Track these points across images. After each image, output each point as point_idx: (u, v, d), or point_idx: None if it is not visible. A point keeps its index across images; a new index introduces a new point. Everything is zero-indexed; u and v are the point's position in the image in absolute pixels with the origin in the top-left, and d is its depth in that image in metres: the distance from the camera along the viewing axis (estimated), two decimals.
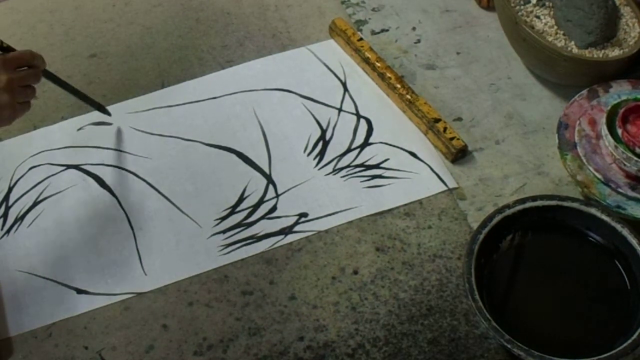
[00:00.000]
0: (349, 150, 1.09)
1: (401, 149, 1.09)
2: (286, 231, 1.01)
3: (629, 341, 0.82)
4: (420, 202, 1.03)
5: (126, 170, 1.09)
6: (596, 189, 0.97)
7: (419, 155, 1.08)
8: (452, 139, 1.06)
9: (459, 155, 1.07)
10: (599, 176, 0.97)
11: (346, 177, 1.06)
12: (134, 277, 0.98)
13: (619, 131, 0.96)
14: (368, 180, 1.06)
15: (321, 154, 1.09)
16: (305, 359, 0.90)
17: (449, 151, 1.07)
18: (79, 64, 1.22)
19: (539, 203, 0.93)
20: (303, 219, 1.02)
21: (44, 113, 1.15)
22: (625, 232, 0.90)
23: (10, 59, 0.90)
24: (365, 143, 1.10)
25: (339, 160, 1.08)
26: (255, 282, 0.97)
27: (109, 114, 1.12)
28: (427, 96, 1.14)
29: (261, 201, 1.04)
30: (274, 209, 1.04)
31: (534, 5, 1.12)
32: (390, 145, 1.09)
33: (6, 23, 1.29)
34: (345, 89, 1.16)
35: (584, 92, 1.06)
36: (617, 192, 0.96)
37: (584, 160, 0.99)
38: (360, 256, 0.99)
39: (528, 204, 0.93)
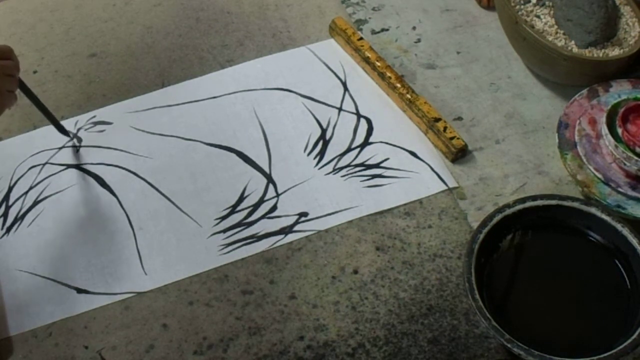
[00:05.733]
0: (349, 149, 1.09)
1: (401, 148, 1.09)
2: (286, 230, 1.01)
3: (629, 341, 0.82)
4: (420, 201, 1.03)
5: (126, 169, 1.08)
6: (596, 188, 0.97)
7: (419, 154, 1.08)
8: (452, 138, 1.06)
9: (459, 155, 1.07)
10: (599, 175, 0.97)
11: (346, 177, 1.06)
12: (134, 277, 0.98)
13: (619, 130, 0.96)
14: (368, 179, 1.06)
15: (321, 153, 1.09)
16: (305, 358, 0.90)
17: (449, 150, 1.07)
18: (79, 63, 1.22)
19: (539, 202, 0.93)
20: (303, 219, 1.02)
21: None
22: (626, 231, 0.90)
23: None
24: (366, 142, 1.10)
25: (339, 160, 1.08)
26: (255, 282, 0.97)
27: (69, 135, 1.11)
28: (427, 96, 1.14)
29: (261, 200, 1.04)
30: (274, 208, 1.04)
31: (534, 5, 1.12)
32: (391, 144, 1.09)
33: (6, 22, 1.29)
34: (346, 89, 1.16)
35: (584, 91, 1.06)
36: (617, 192, 0.96)
37: (584, 160, 0.99)
38: (361, 256, 0.99)
39: (528, 204, 0.93)
